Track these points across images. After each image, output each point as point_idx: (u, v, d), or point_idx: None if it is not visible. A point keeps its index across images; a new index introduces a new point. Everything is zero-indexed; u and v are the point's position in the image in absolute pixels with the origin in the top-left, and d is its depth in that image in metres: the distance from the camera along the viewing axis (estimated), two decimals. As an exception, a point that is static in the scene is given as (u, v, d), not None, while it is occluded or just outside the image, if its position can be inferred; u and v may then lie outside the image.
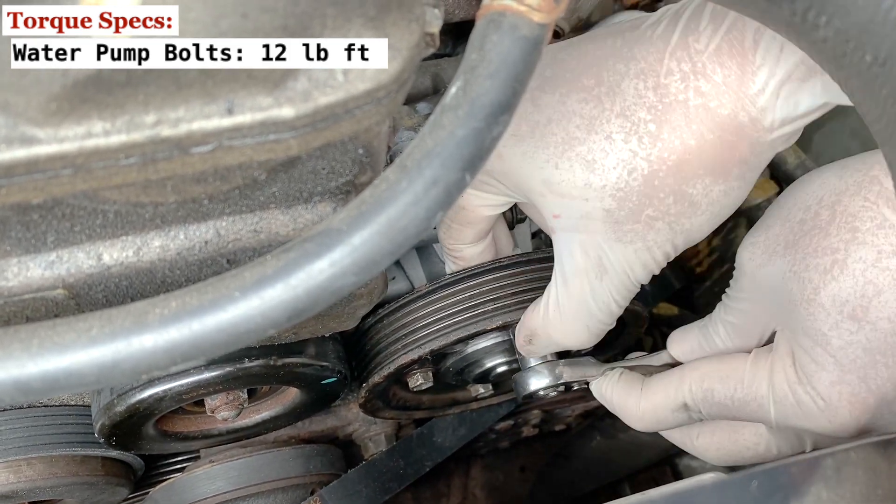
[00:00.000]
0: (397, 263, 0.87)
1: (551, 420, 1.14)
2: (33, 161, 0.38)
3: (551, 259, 0.72)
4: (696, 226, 0.65)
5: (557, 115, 0.64)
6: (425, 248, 0.87)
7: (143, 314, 0.45)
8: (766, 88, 0.59)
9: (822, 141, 1.10)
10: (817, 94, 0.60)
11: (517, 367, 0.82)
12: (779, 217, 0.69)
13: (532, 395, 0.78)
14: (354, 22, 0.40)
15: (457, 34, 0.90)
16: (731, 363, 0.72)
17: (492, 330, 0.77)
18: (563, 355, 0.80)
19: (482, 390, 0.94)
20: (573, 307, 0.69)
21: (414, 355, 0.77)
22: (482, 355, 0.84)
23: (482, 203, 0.73)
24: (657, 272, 0.68)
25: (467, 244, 0.77)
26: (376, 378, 0.79)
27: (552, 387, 0.78)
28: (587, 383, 0.79)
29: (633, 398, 0.76)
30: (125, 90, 0.37)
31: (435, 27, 0.48)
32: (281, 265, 0.45)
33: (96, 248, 0.50)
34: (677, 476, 1.29)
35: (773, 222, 0.69)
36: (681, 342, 0.77)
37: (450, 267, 0.81)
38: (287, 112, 0.41)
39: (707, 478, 0.43)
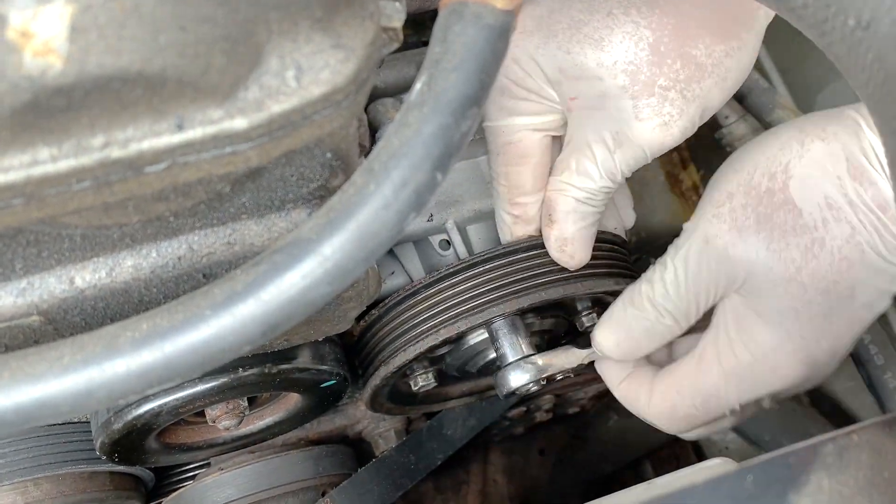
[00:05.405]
0: (395, 258, 0.86)
1: (564, 404, 1.13)
2: (-20, 193, 0.37)
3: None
4: (706, 90, 0.66)
5: (557, 3, 0.67)
6: (422, 242, 0.86)
7: (115, 339, 0.44)
8: None
9: (825, 105, 1.07)
10: None
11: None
12: (740, 183, 0.68)
13: (514, 392, 0.76)
14: (301, 25, 0.39)
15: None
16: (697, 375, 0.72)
17: (495, 319, 0.75)
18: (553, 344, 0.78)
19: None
20: (583, 169, 0.69)
21: (415, 351, 0.75)
22: (485, 346, 0.83)
23: (527, 124, 0.71)
24: (672, 146, 0.69)
25: (529, 193, 0.73)
26: (379, 376, 0.78)
27: (533, 381, 0.76)
28: (569, 371, 0.77)
29: (642, 400, 0.75)
30: (67, 114, 0.36)
31: (396, 21, 0.46)
32: (251, 280, 0.43)
33: (67, 271, 0.49)
34: (699, 451, 1.27)
35: (734, 189, 0.68)
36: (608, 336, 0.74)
37: (505, 236, 0.76)
38: (240, 123, 0.39)
39: (700, 475, 0.41)
